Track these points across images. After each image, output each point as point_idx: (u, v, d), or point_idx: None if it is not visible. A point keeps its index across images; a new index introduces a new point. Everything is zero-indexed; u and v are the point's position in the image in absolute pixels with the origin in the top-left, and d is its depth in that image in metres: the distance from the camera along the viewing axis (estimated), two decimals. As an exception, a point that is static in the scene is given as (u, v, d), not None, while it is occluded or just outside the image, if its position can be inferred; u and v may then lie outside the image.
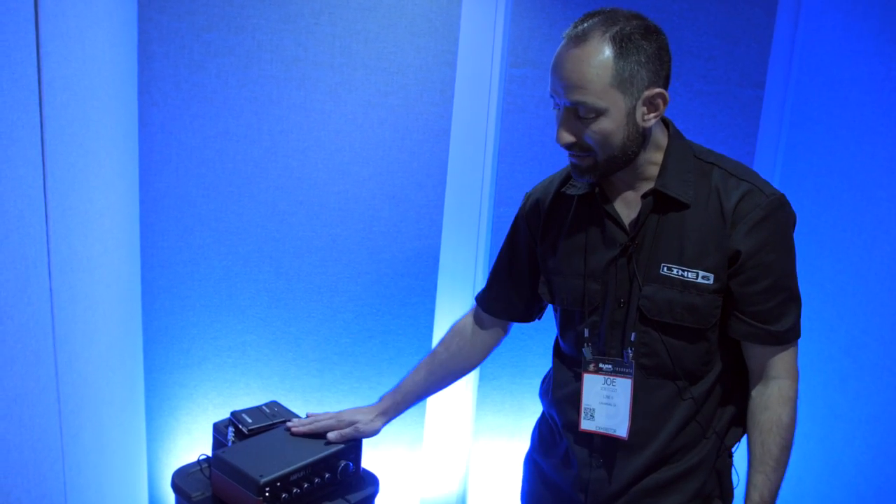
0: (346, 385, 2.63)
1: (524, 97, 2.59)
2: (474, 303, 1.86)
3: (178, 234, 2.41)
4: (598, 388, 1.53)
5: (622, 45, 1.33)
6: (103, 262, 1.90)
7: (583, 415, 1.55)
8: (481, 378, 2.77)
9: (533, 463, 1.78)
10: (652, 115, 1.40)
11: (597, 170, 1.42)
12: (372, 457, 2.65)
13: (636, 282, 1.48)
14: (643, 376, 1.51)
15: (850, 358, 2.48)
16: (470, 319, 1.85)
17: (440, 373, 1.85)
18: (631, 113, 1.37)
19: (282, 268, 2.51)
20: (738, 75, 2.74)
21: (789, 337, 1.48)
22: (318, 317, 2.57)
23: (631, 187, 1.50)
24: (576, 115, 1.37)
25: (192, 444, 2.54)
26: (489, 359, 2.74)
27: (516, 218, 1.77)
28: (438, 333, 2.72)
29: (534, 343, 2.79)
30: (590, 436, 1.56)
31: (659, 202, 1.47)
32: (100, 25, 1.83)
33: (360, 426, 1.81)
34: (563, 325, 1.65)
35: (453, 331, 1.86)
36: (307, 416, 1.86)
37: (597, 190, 1.52)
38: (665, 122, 1.51)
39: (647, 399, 1.51)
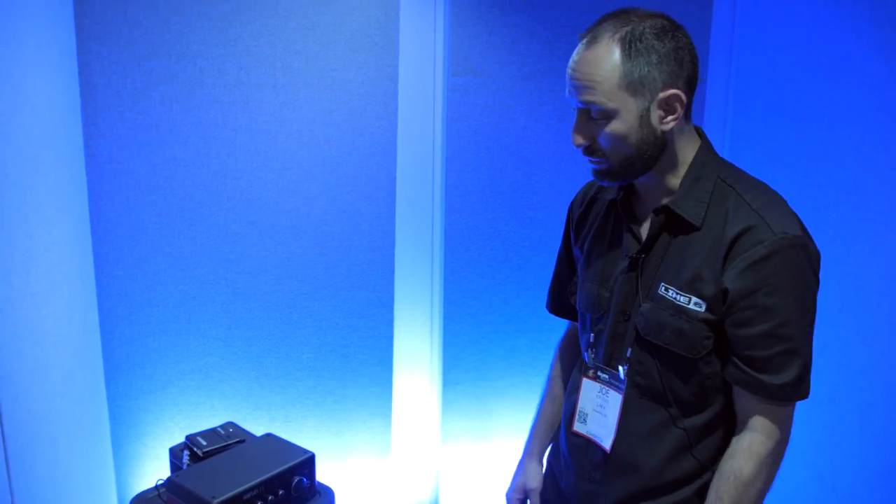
0: (310, 400, 2.66)
1: (468, 105, 2.63)
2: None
3: (133, 262, 2.43)
4: (594, 394, 1.53)
5: (631, 47, 1.30)
6: (52, 296, 1.92)
7: (577, 416, 1.55)
8: (445, 383, 2.80)
9: (548, 466, 1.78)
10: (670, 117, 1.35)
11: (612, 174, 1.39)
12: (341, 469, 2.68)
13: (639, 297, 1.46)
14: (636, 395, 1.47)
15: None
16: (564, 335, 1.85)
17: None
18: (644, 115, 1.33)
19: (239, 288, 2.54)
20: (680, 70, 2.78)
21: (782, 394, 1.35)
22: (278, 334, 2.60)
23: (654, 199, 1.46)
24: (588, 116, 1.36)
25: (161, 468, 2.55)
26: (452, 364, 2.80)
27: (567, 212, 1.74)
28: (399, 343, 2.75)
29: (495, 347, 2.83)
30: (585, 447, 1.55)
31: (671, 220, 1.43)
32: (36, 62, 1.85)
33: (532, 484, 1.78)
34: (580, 329, 1.64)
35: (558, 350, 1.85)
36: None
37: (619, 197, 1.51)
38: (700, 136, 1.47)
39: (638, 419, 1.47)
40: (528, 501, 1.78)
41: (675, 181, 1.43)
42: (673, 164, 1.42)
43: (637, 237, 1.48)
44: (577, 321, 1.75)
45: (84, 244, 2.29)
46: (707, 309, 1.36)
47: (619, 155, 1.36)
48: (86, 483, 2.19)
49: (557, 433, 1.73)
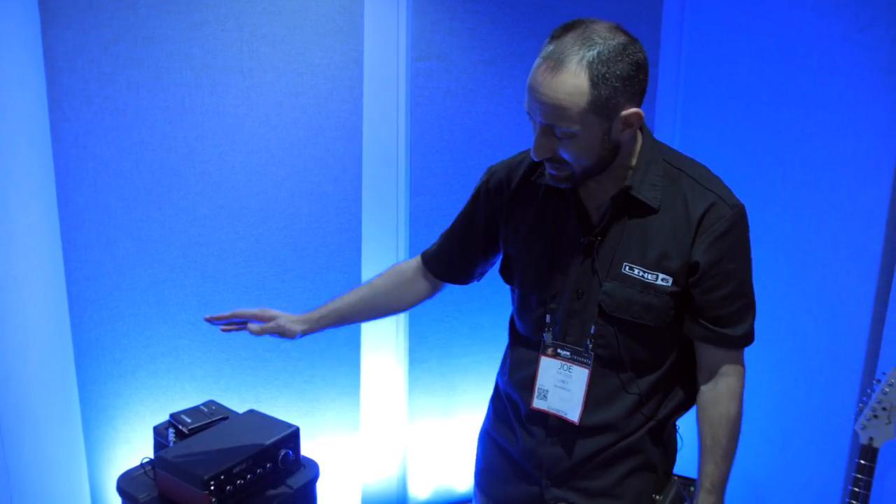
0: (280, 380, 2.70)
1: (431, 89, 2.69)
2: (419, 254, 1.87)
3: (101, 246, 2.43)
4: (554, 371, 1.59)
5: (598, 71, 1.33)
6: (29, 280, 1.92)
7: (536, 394, 1.61)
8: (411, 362, 2.87)
9: (489, 438, 1.83)
10: (628, 130, 1.42)
11: (573, 179, 1.45)
12: (311, 447, 2.72)
13: (597, 277, 1.53)
14: (598, 366, 1.57)
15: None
16: (413, 266, 1.86)
17: (369, 303, 1.84)
18: (606, 132, 1.39)
19: (207, 271, 2.56)
20: (633, 55, 2.88)
21: (743, 342, 1.55)
22: (247, 316, 2.62)
23: (602, 186, 1.52)
24: (551, 133, 1.39)
25: (132, 452, 2.56)
26: (418, 342, 2.86)
27: (477, 192, 1.74)
28: (366, 323, 2.80)
29: (459, 325, 2.91)
30: (545, 416, 1.63)
31: (627, 204, 1.50)
32: (8, 46, 1.85)
33: (282, 321, 1.78)
34: (520, 308, 1.69)
35: (395, 270, 1.87)
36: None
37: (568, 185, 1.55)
38: (640, 126, 1.52)
39: (600, 387, 1.57)
40: (259, 326, 1.79)
41: (623, 169, 1.51)
42: (623, 155, 1.50)
43: (587, 221, 1.56)
44: (456, 283, 1.82)
45: (53, 229, 2.29)
46: (673, 283, 1.49)
47: (581, 166, 1.43)
48: (61, 466, 2.20)
49: (499, 410, 1.79)
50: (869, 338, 2.23)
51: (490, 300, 2.90)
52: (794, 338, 2.50)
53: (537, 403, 1.62)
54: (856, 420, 1.92)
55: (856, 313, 2.26)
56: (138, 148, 2.42)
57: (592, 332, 1.55)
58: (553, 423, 1.62)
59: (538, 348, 1.63)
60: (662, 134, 3.06)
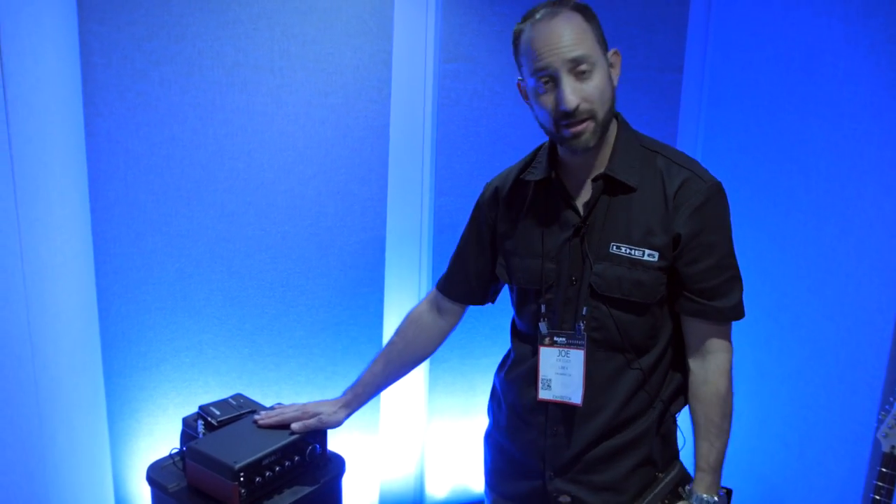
0: (302, 376, 2.72)
1: (458, 90, 2.72)
2: (431, 289, 1.94)
3: (130, 240, 2.46)
4: (554, 359, 1.64)
5: (586, 13, 1.50)
6: (64, 271, 1.95)
7: (540, 385, 1.66)
8: (432, 361, 2.89)
9: (492, 439, 1.88)
10: (613, 71, 1.55)
11: (597, 131, 1.52)
12: (330, 444, 2.74)
13: (588, 260, 1.59)
14: (593, 349, 1.62)
15: (772, 320, 2.67)
16: (426, 307, 1.93)
17: (397, 363, 1.92)
18: (608, 69, 1.52)
19: (234, 267, 2.59)
20: (658, 61, 2.90)
21: (733, 314, 1.61)
22: (271, 312, 2.66)
23: (584, 173, 1.61)
24: (575, 76, 1.48)
25: (155, 444, 2.59)
26: (439, 342, 2.87)
27: (476, 206, 1.84)
28: (388, 321, 2.83)
29: (481, 325, 2.92)
30: (545, 406, 1.67)
31: (608, 186, 1.59)
32: (48, 41, 1.88)
33: (324, 417, 1.88)
34: (520, 304, 1.74)
35: (409, 319, 1.94)
36: (273, 408, 1.95)
37: (553, 175, 1.64)
38: (615, 115, 1.63)
39: (597, 370, 1.62)
40: (301, 423, 1.87)
41: (604, 154, 1.61)
42: (602, 141, 1.59)
43: (574, 208, 1.62)
44: (475, 303, 1.90)
45: (84, 222, 2.32)
46: (660, 257, 1.56)
47: (603, 108, 1.51)
48: (89, 455, 2.23)
49: (495, 411, 1.85)
50: (891, 345, 2.23)
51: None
52: (815, 345, 2.50)
53: (543, 394, 1.66)
54: (877, 428, 1.93)
55: (878, 321, 2.27)
56: (169, 144, 2.45)
57: (584, 313, 1.61)
58: (553, 413, 1.67)
59: (536, 342, 1.68)
60: (685, 140, 3.07)
